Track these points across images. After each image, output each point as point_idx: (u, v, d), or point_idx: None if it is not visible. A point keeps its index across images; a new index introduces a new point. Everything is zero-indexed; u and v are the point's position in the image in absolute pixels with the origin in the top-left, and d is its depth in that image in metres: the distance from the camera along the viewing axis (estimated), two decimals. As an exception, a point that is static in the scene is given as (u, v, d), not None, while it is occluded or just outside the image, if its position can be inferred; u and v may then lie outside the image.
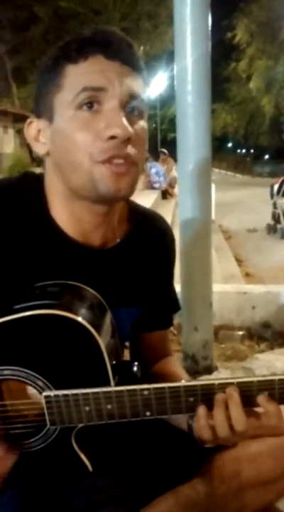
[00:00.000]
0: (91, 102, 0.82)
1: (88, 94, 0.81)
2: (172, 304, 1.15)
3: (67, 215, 0.91)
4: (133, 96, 0.84)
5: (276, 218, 8.13)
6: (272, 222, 8.24)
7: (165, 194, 10.96)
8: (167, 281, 1.12)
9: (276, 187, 8.34)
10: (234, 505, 1.00)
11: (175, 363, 1.15)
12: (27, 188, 0.92)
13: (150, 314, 1.08)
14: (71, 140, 0.83)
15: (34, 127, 0.90)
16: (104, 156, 0.82)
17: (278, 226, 8.05)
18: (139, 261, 1.02)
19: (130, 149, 0.83)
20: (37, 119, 0.89)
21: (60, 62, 0.84)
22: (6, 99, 23.48)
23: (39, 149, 0.90)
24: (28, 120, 0.91)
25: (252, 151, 42.23)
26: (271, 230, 8.20)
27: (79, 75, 0.82)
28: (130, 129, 0.82)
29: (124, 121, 0.81)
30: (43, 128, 0.88)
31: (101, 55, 0.82)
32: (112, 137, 0.81)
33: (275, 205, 8.19)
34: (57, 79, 0.84)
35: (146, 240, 1.02)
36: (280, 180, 8.52)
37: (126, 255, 0.99)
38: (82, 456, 0.85)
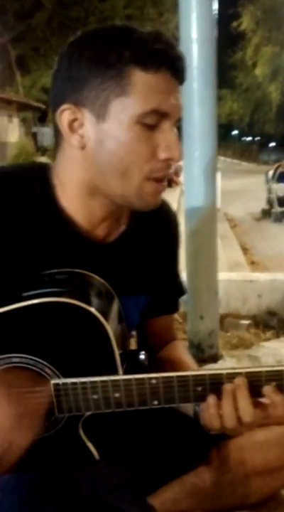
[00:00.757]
0: (156, 121, 0.83)
1: (155, 117, 0.82)
2: (178, 289, 1.14)
3: (80, 206, 0.91)
4: (180, 119, 0.89)
5: (270, 203, 8.56)
6: (267, 207, 8.67)
7: (170, 182, 10.93)
8: (173, 266, 1.11)
9: (271, 173, 8.78)
10: (240, 493, 1.01)
11: (181, 348, 1.15)
12: (33, 176, 0.91)
13: (156, 300, 1.08)
14: (127, 151, 0.83)
15: (69, 115, 0.84)
16: (157, 175, 0.86)
17: (272, 210, 8.48)
18: (145, 246, 1.01)
19: None
20: (75, 107, 0.83)
21: (128, 63, 0.80)
22: (10, 88, 23.36)
23: (74, 141, 0.85)
24: (64, 106, 0.84)
25: (258, 138, 41.97)
26: (266, 214, 8.63)
27: (150, 90, 0.81)
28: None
29: (180, 145, 0.85)
30: (85, 121, 0.84)
31: (169, 72, 0.83)
32: (168, 159, 0.85)
33: (269, 191, 8.64)
34: (123, 81, 0.80)
35: (150, 225, 1.02)
36: (275, 166, 9.07)
37: (132, 242, 0.99)
38: (89, 444, 0.85)
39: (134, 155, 0.83)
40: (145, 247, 1.02)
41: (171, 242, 1.09)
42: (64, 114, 0.84)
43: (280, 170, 8.81)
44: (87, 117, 0.83)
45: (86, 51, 0.82)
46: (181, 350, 1.14)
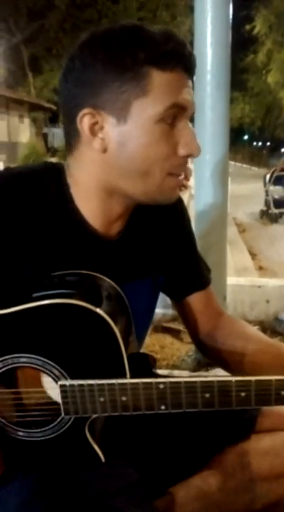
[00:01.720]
0: (173, 118, 0.84)
1: (175, 112, 0.84)
2: (200, 263, 1.13)
3: (97, 207, 0.91)
4: (193, 114, 0.90)
5: (268, 204, 9.10)
6: (265, 208, 9.22)
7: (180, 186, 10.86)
8: (187, 242, 1.11)
9: (268, 177, 9.39)
10: (246, 499, 1.00)
11: (243, 324, 1.13)
12: (47, 176, 0.91)
13: (180, 279, 1.08)
14: (149, 151, 0.84)
15: (90, 119, 0.83)
16: (176, 170, 0.88)
17: (269, 211, 9.01)
18: (152, 230, 1.02)
19: None
20: (94, 110, 0.83)
21: (145, 64, 0.81)
22: (22, 88, 23.50)
23: (96, 144, 0.84)
24: (84, 111, 0.83)
25: (268, 143, 41.85)
26: (264, 214, 9.18)
27: (168, 88, 0.82)
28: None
29: (198, 140, 0.87)
30: (105, 124, 0.83)
31: (182, 69, 0.84)
32: (188, 155, 0.87)
33: (267, 193, 9.22)
34: (143, 82, 0.81)
35: (155, 209, 0.99)
36: (272, 170, 9.71)
37: (139, 229, 0.99)
38: (95, 446, 0.85)
39: (156, 154, 0.84)
40: (153, 231, 1.02)
41: (179, 220, 1.09)
42: (85, 119, 0.84)
43: (276, 174, 9.36)
44: (107, 120, 0.83)
45: (100, 53, 0.82)
46: (241, 324, 1.12)
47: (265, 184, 9.47)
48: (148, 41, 0.81)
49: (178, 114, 0.84)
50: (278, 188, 9.26)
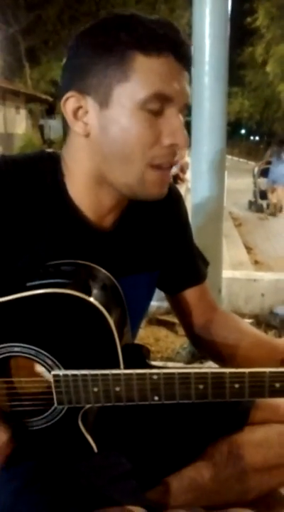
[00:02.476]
0: (161, 107, 0.81)
1: (158, 102, 0.80)
2: (197, 258, 1.12)
3: (88, 196, 0.90)
4: (186, 105, 0.86)
5: (255, 196, 9.58)
6: (253, 199, 9.68)
7: (176, 179, 10.88)
8: (183, 237, 1.10)
9: (256, 169, 9.80)
10: (238, 489, 1.01)
11: (236, 318, 1.13)
12: (42, 165, 0.90)
13: (175, 273, 1.07)
14: (130, 137, 0.81)
15: (74, 102, 0.83)
16: (159, 161, 0.84)
17: (257, 202, 9.47)
18: (148, 224, 1.01)
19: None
20: (79, 94, 0.83)
21: (129, 48, 0.79)
22: (19, 80, 23.34)
23: (78, 128, 0.84)
24: (68, 94, 0.83)
25: (266, 137, 41.79)
26: (252, 205, 9.64)
27: (152, 74, 0.79)
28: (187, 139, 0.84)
29: (185, 131, 0.83)
30: (89, 109, 0.83)
31: (172, 55, 0.80)
32: (172, 145, 0.83)
33: (255, 185, 9.66)
34: (125, 66, 0.79)
35: (151, 203, 0.98)
36: (260, 163, 10.21)
37: (134, 223, 0.98)
38: (88, 437, 0.85)
39: (137, 141, 0.81)
40: (148, 224, 1.01)
41: (176, 214, 1.07)
42: (69, 102, 0.84)
43: (262, 166, 9.75)
44: (91, 105, 0.83)
45: (86, 38, 0.82)
46: (235, 320, 1.12)
47: (253, 176, 9.83)
48: (135, 25, 0.79)
49: (165, 103, 0.81)
50: (263, 180, 9.62)
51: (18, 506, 0.85)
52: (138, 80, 0.79)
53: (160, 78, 0.80)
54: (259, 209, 9.31)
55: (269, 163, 9.75)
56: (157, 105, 0.81)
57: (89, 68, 0.81)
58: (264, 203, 9.29)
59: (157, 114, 0.82)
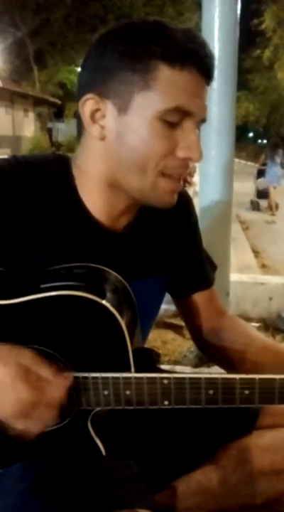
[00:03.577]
0: (179, 119, 0.82)
1: (178, 115, 0.81)
2: (205, 262, 1.12)
3: (100, 199, 0.91)
4: (204, 120, 0.87)
5: (255, 195, 10.39)
6: (254, 199, 10.36)
7: (184, 183, 10.86)
8: (193, 241, 1.10)
9: (256, 170, 10.75)
10: (246, 494, 1.00)
11: (244, 323, 1.13)
12: (53, 166, 0.90)
13: (184, 277, 1.08)
14: (145, 146, 0.82)
15: (93, 104, 0.83)
16: (170, 172, 0.85)
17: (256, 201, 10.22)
18: (159, 228, 1.01)
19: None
20: (99, 97, 0.83)
21: (154, 58, 0.79)
22: (27, 83, 23.43)
23: (94, 131, 0.85)
24: (88, 96, 0.83)
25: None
26: (252, 204, 10.27)
27: (175, 86, 0.80)
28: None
29: (201, 146, 0.84)
30: (107, 113, 0.83)
31: (196, 69, 0.81)
32: (186, 159, 0.84)
33: (255, 185, 10.53)
34: (148, 75, 0.79)
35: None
36: (258, 165, 11.12)
37: (146, 227, 0.99)
38: (97, 440, 0.85)
39: (152, 150, 0.82)
40: (160, 228, 1.02)
41: (187, 219, 1.08)
42: (88, 104, 0.84)
43: (259, 168, 10.66)
44: (110, 109, 0.83)
45: (112, 42, 0.82)
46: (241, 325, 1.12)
47: (254, 177, 10.79)
48: (164, 36, 0.79)
49: (184, 116, 0.82)
50: (261, 180, 10.32)
51: (27, 508, 0.85)
52: (160, 91, 0.80)
53: (182, 92, 0.80)
54: (255, 207, 10.03)
55: (265, 164, 10.35)
56: (176, 118, 0.81)
57: (116, 73, 0.81)
58: (262, 202, 9.92)
59: (175, 125, 0.82)
